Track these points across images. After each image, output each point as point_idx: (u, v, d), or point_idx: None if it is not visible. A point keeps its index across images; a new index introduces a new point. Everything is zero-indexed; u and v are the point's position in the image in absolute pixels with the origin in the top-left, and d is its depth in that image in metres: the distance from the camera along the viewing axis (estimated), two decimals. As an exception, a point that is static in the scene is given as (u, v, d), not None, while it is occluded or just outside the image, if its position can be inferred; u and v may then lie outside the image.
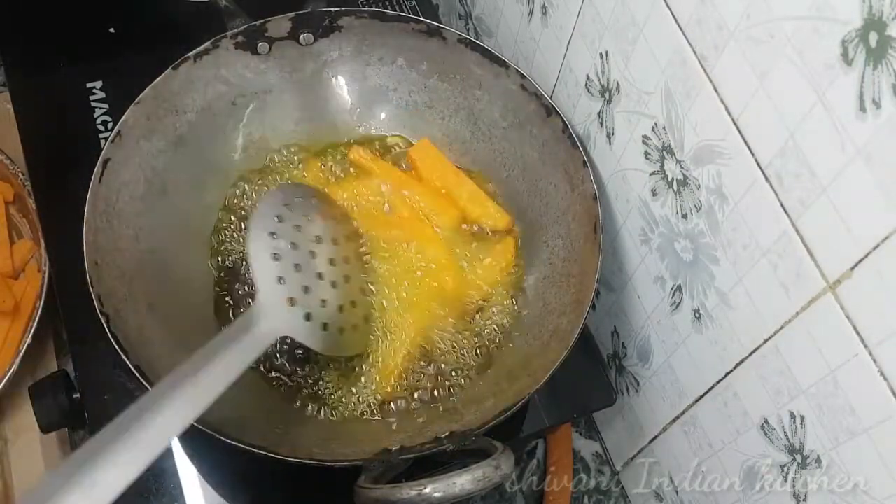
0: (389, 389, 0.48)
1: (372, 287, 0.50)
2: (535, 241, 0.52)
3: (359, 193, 0.53)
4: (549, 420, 0.53)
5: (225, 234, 0.52)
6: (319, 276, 0.45)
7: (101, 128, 0.57)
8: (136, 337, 0.43)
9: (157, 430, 0.32)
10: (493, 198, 0.54)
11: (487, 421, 0.42)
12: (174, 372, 0.35)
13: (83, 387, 0.49)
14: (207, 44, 0.51)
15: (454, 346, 0.50)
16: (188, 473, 0.48)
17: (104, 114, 0.57)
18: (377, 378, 0.48)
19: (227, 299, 0.50)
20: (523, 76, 0.51)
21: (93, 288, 0.43)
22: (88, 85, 0.58)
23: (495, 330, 0.50)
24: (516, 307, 0.51)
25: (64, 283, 0.52)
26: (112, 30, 0.61)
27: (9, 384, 0.53)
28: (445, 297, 0.50)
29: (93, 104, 0.58)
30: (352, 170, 0.54)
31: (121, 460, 0.30)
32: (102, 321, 0.42)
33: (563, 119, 0.50)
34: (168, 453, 0.48)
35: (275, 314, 0.41)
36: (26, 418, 0.54)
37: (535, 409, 0.52)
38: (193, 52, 0.51)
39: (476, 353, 0.50)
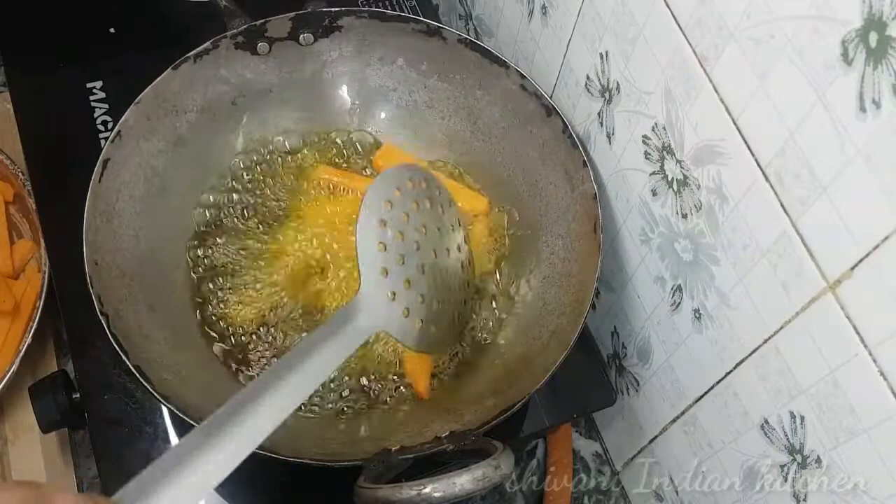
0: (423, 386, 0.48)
1: (469, 282, 0.48)
2: (535, 241, 0.52)
3: (337, 211, 0.52)
4: (549, 420, 0.53)
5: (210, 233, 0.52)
6: (421, 268, 0.43)
7: (101, 128, 0.57)
8: (136, 337, 0.43)
9: (257, 423, 0.32)
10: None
11: (487, 421, 0.42)
12: (273, 366, 0.35)
13: (83, 387, 0.49)
14: (207, 44, 0.51)
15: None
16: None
17: (104, 114, 0.57)
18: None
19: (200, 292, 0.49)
20: (523, 76, 0.51)
21: (93, 288, 0.43)
22: (88, 85, 0.58)
23: (486, 321, 0.50)
24: (513, 295, 0.51)
25: (64, 283, 0.52)
26: (112, 30, 0.62)
27: (9, 384, 0.53)
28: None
29: (93, 104, 0.58)
30: (322, 192, 0.53)
31: (221, 454, 0.30)
32: (102, 321, 0.42)
33: (562, 119, 0.50)
34: (168, 453, 0.48)
35: (375, 308, 0.40)
36: (26, 418, 0.54)
37: (535, 409, 0.52)
38: (193, 52, 0.51)
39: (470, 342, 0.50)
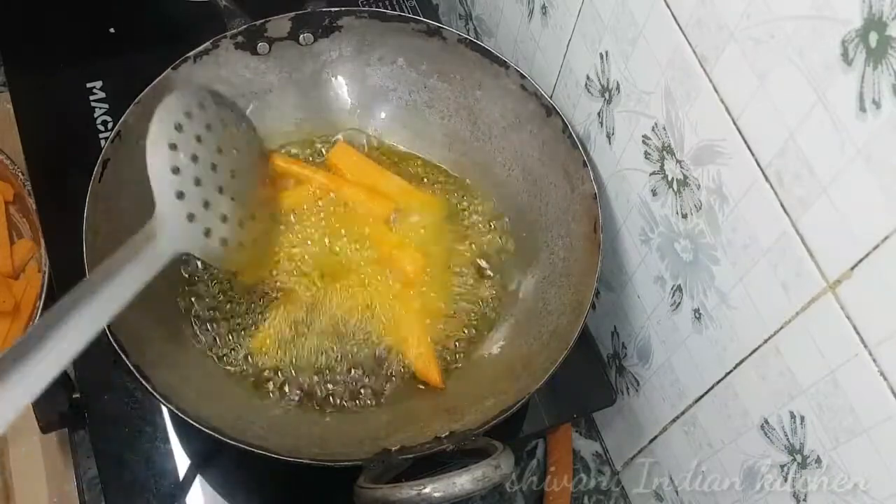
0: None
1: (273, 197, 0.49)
2: (535, 241, 0.52)
3: (295, 203, 0.52)
4: (549, 420, 0.53)
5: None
6: (220, 189, 0.44)
7: (101, 128, 0.57)
8: (135, 336, 0.43)
9: (58, 350, 0.33)
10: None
11: (487, 421, 0.42)
12: (73, 290, 0.35)
13: (83, 386, 0.49)
14: (207, 44, 0.51)
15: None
16: (188, 473, 0.48)
17: (104, 114, 0.57)
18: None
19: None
20: (523, 76, 0.51)
21: (92, 288, 0.43)
22: (88, 85, 0.58)
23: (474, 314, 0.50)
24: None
25: (64, 284, 0.52)
26: (112, 30, 0.61)
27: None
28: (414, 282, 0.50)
29: (93, 104, 0.58)
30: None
31: (23, 378, 0.32)
32: (102, 321, 0.42)
33: (562, 119, 0.50)
34: (168, 454, 0.48)
35: (174, 231, 0.40)
36: (26, 418, 0.53)
37: (535, 409, 0.52)
38: (193, 52, 0.51)
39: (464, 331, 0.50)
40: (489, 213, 0.54)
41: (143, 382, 0.41)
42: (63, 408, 0.49)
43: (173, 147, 0.42)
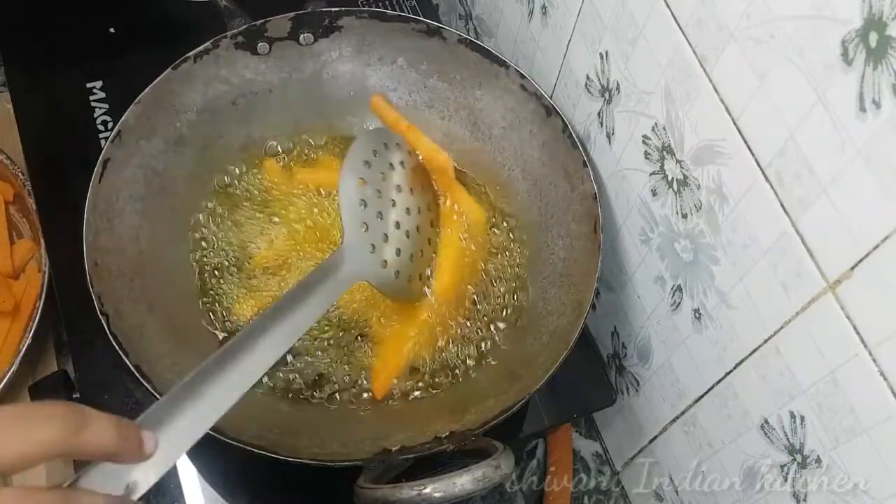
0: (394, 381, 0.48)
1: (438, 238, 0.52)
2: (535, 241, 0.52)
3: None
4: (549, 420, 0.53)
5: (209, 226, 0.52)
6: (397, 224, 0.48)
7: (101, 128, 0.57)
8: (136, 337, 0.43)
9: (254, 360, 0.36)
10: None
11: (487, 421, 0.42)
12: (265, 312, 0.38)
13: (83, 387, 0.49)
14: (207, 44, 0.51)
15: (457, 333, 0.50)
16: (188, 473, 0.48)
17: (104, 114, 0.57)
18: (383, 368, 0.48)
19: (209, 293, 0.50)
20: (523, 76, 0.51)
21: (93, 288, 0.43)
22: (88, 85, 0.58)
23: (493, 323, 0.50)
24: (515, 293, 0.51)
25: (64, 283, 0.52)
26: (112, 30, 0.61)
27: (9, 384, 0.53)
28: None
29: (93, 104, 0.58)
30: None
31: (222, 388, 0.34)
32: (102, 321, 0.42)
33: (562, 119, 0.50)
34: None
35: (358, 259, 0.44)
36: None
37: (535, 409, 0.52)
38: (193, 51, 0.51)
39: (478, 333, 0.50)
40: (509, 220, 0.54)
41: (144, 382, 0.41)
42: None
43: (363, 181, 0.46)
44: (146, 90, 0.49)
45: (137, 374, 0.41)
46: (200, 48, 0.51)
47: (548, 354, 0.45)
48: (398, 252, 0.47)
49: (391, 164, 0.49)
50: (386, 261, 0.46)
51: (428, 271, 0.50)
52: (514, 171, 0.54)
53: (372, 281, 0.45)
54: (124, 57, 0.59)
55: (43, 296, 0.54)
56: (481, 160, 0.55)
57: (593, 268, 0.46)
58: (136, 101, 0.49)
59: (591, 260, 0.47)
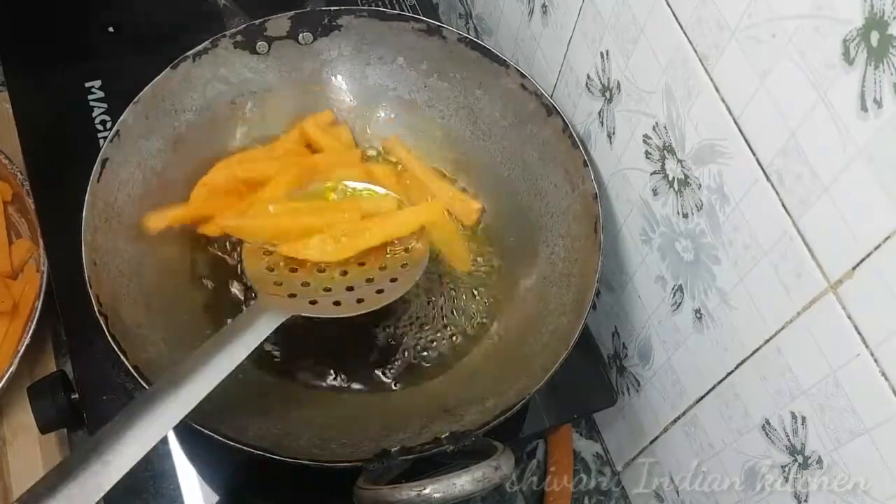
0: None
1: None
2: (535, 241, 0.52)
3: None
4: (549, 420, 0.53)
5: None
6: (319, 270, 0.47)
7: (100, 127, 0.57)
8: (134, 337, 0.43)
9: (176, 407, 0.36)
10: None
11: (488, 421, 0.42)
12: (195, 353, 0.38)
13: (81, 387, 0.49)
14: (206, 43, 0.51)
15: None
16: (186, 474, 0.48)
17: (103, 113, 0.57)
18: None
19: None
20: (523, 75, 0.51)
21: (91, 288, 0.43)
22: (87, 84, 0.58)
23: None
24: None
25: (63, 283, 0.52)
26: (111, 29, 0.61)
27: (7, 384, 0.53)
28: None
29: (91, 104, 0.57)
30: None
31: (131, 447, 0.34)
32: (101, 321, 0.42)
33: (563, 118, 0.50)
34: (167, 454, 0.48)
35: (276, 306, 0.43)
36: (25, 418, 0.53)
37: (536, 409, 0.52)
38: (192, 51, 0.50)
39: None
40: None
41: (143, 382, 0.41)
42: (62, 408, 0.49)
43: (267, 253, 0.46)
44: (145, 90, 0.49)
45: (136, 375, 0.41)
46: (199, 47, 0.51)
47: (548, 354, 0.45)
48: (328, 291, 0.46)
49: None
50: (316, 300, 0.45)
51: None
52: (515, 170, 0.54)
53: (304, 313, 0.44)
54: (123, 56, 0.59)
55: (42, 296, 0.54)
56: (481, 159, 0.55)
57: (594, 267, 0.46)
58: (134, 100, 0.48)
59: (592, 260, 0.46)
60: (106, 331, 0.42)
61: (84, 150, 0.53)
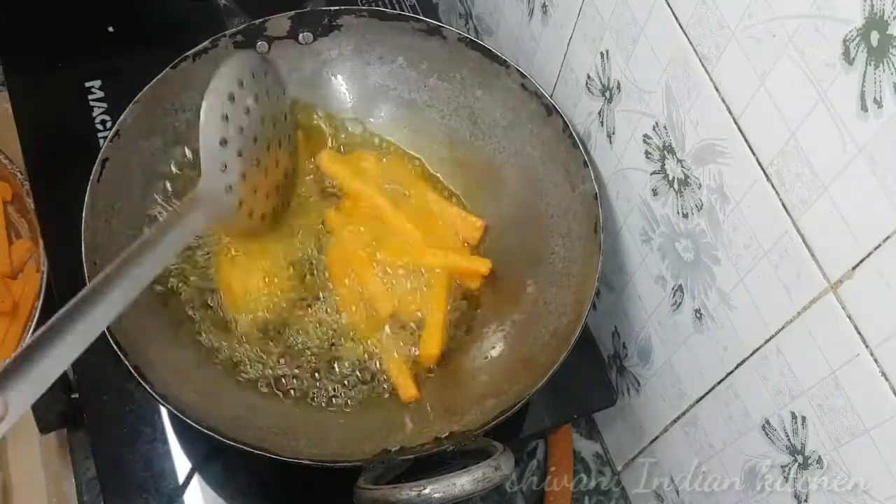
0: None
1: (291, 171, 0.50)
2: (535, 241, 0.52)
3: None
4: (549, 420, 0.53)
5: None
6: (257, 162, 0.45)
7: (100, 127, 0.56)
8: (134, 337, 0.43)
9: (102, 313, 0.35)
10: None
11: (487, 421, 0.42)
12: (121, 257, 0.37)
13: (82, 387, 0.49)
14: (206, 43, 0.51)
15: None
16: (187, 474, 0.48)
17: (103, 113, 0.57)
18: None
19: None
20: (524, 75, 0.51)
21: (91, 288, 0.43)
22: (87, 84, 0.58)
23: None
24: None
25: (63, 283, 0.52)
26: (111, 29, 0.61)
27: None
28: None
29: (91, 103, 0.57)
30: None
31: (68, 340, 0.34)
32: (101, 321, 0.42)
33: (563, 118, 0.50)
34: (166, 454, 0.48)
35: (213, 201, 0.42)
36: (24, 419, 0.53)
37: (536, 409, 0.52)
38: (192, 50, 0.50)
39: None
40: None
41: (143, 383, 0.41)
42: (61, 408, 0.49)
43: (224, 118, 0.42)
44: (145, 89, 0.49)
45: (136, 375, 0.41)
46: (199, 47, 0.50)
47: (548, 355, 0.45)
48: (255, 191, 0.45)
49: (256, 95, 0.45)
50: (242, 200, 0.44)
51: (280, 204, 0.48)
52: (514, 170, 0.53)
53: (225, 222, 0.44)
54: (123, 56, 0.59)
55: (42, 296, 0.54)
56: (481, 160, 0.55)
57: (594, 268, 0.46)
58: (134, 100, 0.48)
59: (592, 260, 0.46)
60: (105, 331, 0.42)
61: (84, 149, 0.53)
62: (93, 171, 0.46)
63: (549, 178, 0.51)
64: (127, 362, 0.41)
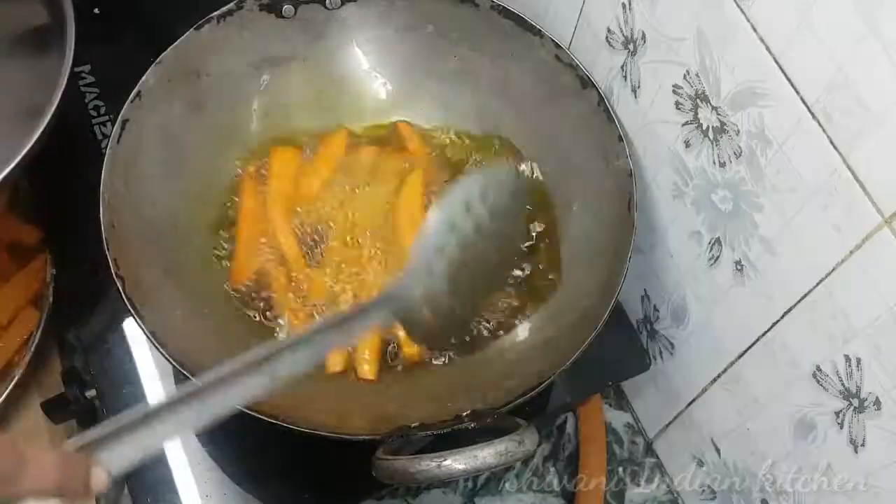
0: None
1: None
2: (566, 218, 0.50)
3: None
4: (577, 393, 0.51)
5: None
6: (453, 282, 0.39)
7: (94, 113, 0.55)
8: (151, 302, 0.42)
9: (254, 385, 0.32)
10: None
11: (511, 400, 0.41)
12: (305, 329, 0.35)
13: (99, 383, 0.48)
14: (231, 4, 0.49)
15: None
16: (202, 459, 0.47)
17: (95, 98, 0.56)
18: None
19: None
20: (558, 46, 0.49)
21: (109, 251, 0.42)
22: (76, 69, 0.56)
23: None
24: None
25: (63, 282, 0.51)
26: (96, 10, 0.59)
27: (14, 386, 0.52)
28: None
29: (82, 89, 0.56)
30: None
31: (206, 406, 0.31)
32: (118, 284, 0.41)
33: (598, 91, 0.48)
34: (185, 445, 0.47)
35: (404, 301, 0.38)
36: (32, 424, 0.52)
37: (563, 382, 0.50)
38: (217, 12, 0.49)
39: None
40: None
41: (158, 349, 0.40)
42: (76, 400, 0.47)
43: (452, 229, 0.38)
44: (167, 51, 0.47)
45: (153, 341, 0.40)
46: (224, 9, 0.49)
47: (575, 336, 0.43)
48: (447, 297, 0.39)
49: (487, 212, 0.39)
50: (433, 311, 0.39)
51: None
52: (546, 145, 0.51)
53: (406, 325, 0.39)
54: (112, 38, 0.57)
55: (44, 297, 0.52)
56: (512, 133, 0.52)
57: (626, 248, 0.44)
58: (157, 61, 0.47)
59: (625, 239, 0.44)
60: (122, 295, 0.41)
61: (79, 136, 0.51)
62: (112, 133, 0.44)
63: (582, 153, 0.49)
64: (142, 327, 0.40)
